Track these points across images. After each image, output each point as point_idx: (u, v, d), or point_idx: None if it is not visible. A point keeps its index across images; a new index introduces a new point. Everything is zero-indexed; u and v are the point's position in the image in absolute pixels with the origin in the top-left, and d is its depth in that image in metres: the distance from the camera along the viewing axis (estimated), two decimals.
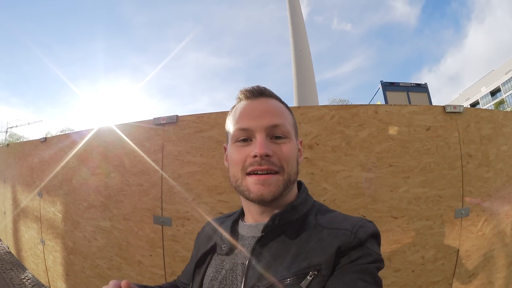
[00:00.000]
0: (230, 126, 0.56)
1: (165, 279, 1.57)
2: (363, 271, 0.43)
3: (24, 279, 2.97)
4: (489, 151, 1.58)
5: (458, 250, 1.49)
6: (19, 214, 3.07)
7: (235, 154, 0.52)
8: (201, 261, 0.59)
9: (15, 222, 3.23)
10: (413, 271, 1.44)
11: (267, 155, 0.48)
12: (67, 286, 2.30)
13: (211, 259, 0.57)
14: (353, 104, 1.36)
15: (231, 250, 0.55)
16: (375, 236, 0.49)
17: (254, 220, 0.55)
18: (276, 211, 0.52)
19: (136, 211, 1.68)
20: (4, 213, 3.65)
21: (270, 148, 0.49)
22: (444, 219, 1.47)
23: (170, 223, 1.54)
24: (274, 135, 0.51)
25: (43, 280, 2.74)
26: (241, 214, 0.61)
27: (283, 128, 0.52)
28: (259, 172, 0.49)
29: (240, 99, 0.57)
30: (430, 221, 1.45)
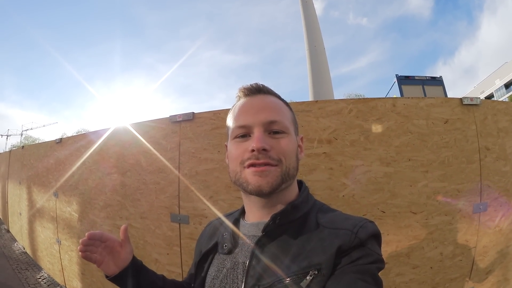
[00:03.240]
0: (230, 123, 0.57)
1: (182, 277, 1.58)
2: (364, 272, 0.43)
3: (39, 278, 3.02)
4: (506, 144, 1.56)
5: (476, 246, 1.47)
6: (35, 215, 3.13)
7: (233, 149, 0.53)
8: (203, 260, 0.60)
9: (31, 223, 3.30)
10: (431, 267, 1.42)
11: (264, 149, 0.49)
12: (83, 285, 2.33)
13: (213, 258, 0.58)
14: (370, 97, 1.35)
15: (232, 249, 0.55)
16: (376, 236, 0.49)
17: (255, 217, 0.56)
18: (278, 206, 0.53)
19: (153, 210, 1.70)
20: (20, 214, 3.73)
21: (268, 142, 0.50)
22: (462, 214, 1.45)
23: (187, 221, 1.55)
24: (272, 130, 0.52)
25: (58, 280, 2.79)
26: (241, 213, 0.61)
27: (281, 124, 0.52)
28: (257, 164, 0.49)
29: (239, 97, 0.58)
30: (449, 216, 1.43)
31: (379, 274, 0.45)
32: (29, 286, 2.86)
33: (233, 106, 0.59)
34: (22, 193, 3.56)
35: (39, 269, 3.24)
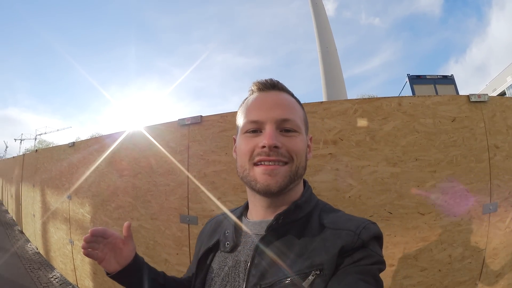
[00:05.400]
0: (241, 117, 0.56)
1: None
2: (365, 272, 0.44)
3: (51, 278, 3.10)
4: None
5: (486, 248, 1.44)
6: (49, 216, 3.23)
7: (243, 144, 0.52)
8: (204, 257, 0.59)
9: (44, 224, 3.40)
10: (439, 270, 1.40)
11: (275, 147, 0.48)
12: (95, 284, 2.39)
13: (214, 255, 0.58)
14: (376, 97, 1.36)
15: (234, 247, 0.55)
16: (378, 238, 0.49)
17: (259, 215, 0.56)
18: (282, 207, 0.53)
19: (163, 211, 1.74)
20: (34, 215, 3.85)
21: (279, 140, 0.49)
22: (471, 215, 1.43)
23: (196, 221, 1.58)
24: (284, 128, 0.51)
25: (70, 279, 2.86)
26: (244, 210, 0.61)
27: (293, 122, 0.52)
28: (266, 163, 0.49)
29: (252, 91, 0.58)
30: (458, 217, 1.41)
31: (380, 275, 0.46)
32: (41, 284, 2.94)
33: (245, 99, 0.59)
34: (35, 195, 3.67)
35: (52, 268, 3.33)
